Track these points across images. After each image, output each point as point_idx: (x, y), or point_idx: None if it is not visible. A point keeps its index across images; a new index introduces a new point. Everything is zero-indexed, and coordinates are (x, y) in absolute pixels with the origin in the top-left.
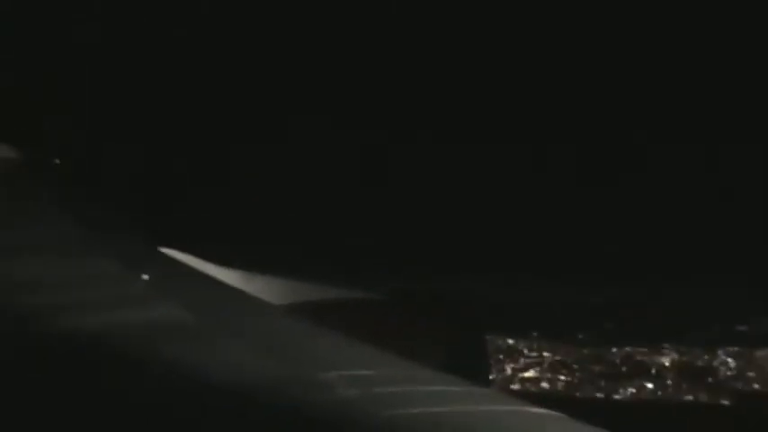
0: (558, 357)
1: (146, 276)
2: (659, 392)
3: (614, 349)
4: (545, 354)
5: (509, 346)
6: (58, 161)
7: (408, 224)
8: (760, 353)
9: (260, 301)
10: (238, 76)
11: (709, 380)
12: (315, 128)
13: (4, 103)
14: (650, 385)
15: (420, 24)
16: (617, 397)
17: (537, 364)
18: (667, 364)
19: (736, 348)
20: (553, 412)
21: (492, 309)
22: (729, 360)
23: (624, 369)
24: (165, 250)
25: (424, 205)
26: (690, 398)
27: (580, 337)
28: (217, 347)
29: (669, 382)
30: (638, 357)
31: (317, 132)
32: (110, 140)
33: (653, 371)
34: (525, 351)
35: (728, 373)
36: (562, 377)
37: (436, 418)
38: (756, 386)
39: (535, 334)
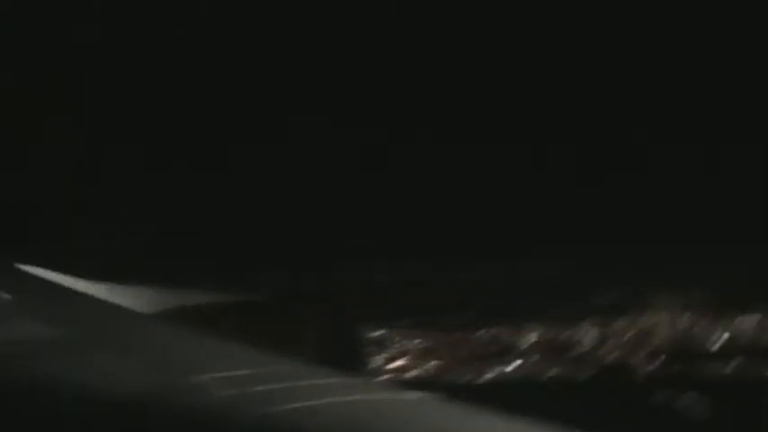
0: (426, 344)
1: (7, 296)
2: (522, 371)
3: (481, 331)
4: (414, 341)
5: (378, 337)
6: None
7: (275, 223)
8: (619, 323)
9: (128, 311)
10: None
11: (571, 354)
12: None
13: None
14: (518, 362)
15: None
16: (487, 377)
17: (406, 352)
18: (531, 342)
19: (596, 320)
20: (428, 395)
21: (362, 300)
22: (590, 333)
23: (490, 351)
24: (24, 267)
25: (293, 203)
26: (555, 372)
27: (447, 322)
28: (87, 361)
29: (533, 360)
30: (504, 338)
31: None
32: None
33: (517, 350)
34: (394, 340)
35: (588, 346)
36: (432, 363)
37: (313, 411)
38: (613, 356)
39: (403, 322)
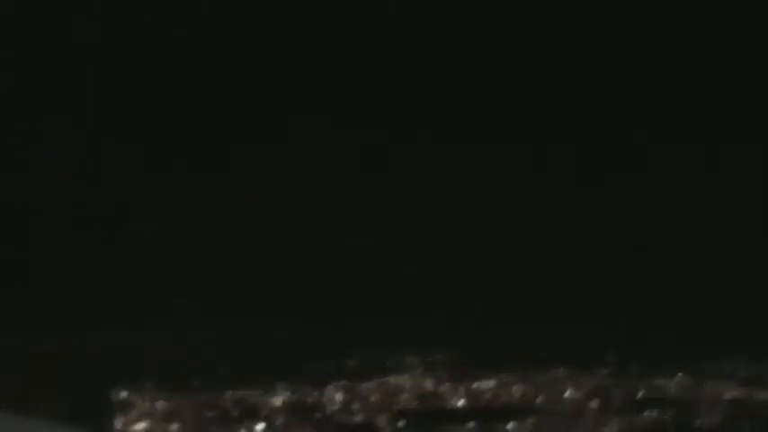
0: (171, 406)
1: None
2: (273, 431)
3: (228, 393)
4: (157, 403)
5: (122, 399)
6: None
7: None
8: (365, 384)
9: None
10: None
11: (317, 415)
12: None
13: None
14: (261, 426)
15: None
16: None
17: (149, 414)
18: (279, 403)
19: (343, 382)
20: None
21: (110, 360)
22: (337, 394)
23: (236, 413)
24: None
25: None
26: None
27: (195, 383)
28: None
29: (279, 421)
30: (251, 400)
31: None
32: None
33: (264, 412)
34: (138, 402)
35: (335, 407)
36: (174, 426)
37: None
38: (359, 418)
39: (148, 384)
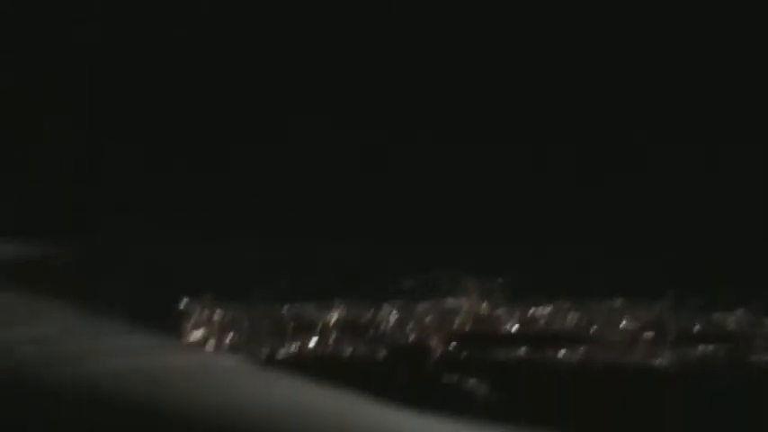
0: (228, 316)
1: None
2: (321, 348)
3: (286, 307)
4: (216, 314)
5: (183, 306)
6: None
7: (87, 182)
8: (421, 305)
9: None
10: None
11: (370, 333)
12: None
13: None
14: (314, 341)
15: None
16: (285, 352)
17: (206, 323)
18: (334, 319)
19: (399, 302)
20: (242, 363)
21: (177, 270)
22: (392, 314)
23: (291, 327)
24: None
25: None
26: (349, 351)
27: (255, 296)
28: None
29: (333, 336)
30: (308, 315)
31: None
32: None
33: (319, 327)
34: (197, 312)
35: (389, 326)
36: (230, 336)
37: (121, 372)
38: (411, 338)
39: (208, 294)
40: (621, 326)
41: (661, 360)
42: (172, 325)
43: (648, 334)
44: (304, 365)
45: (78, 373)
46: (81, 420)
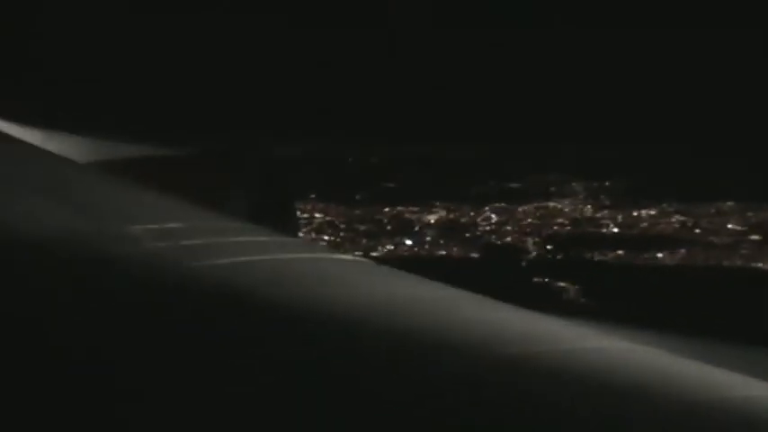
0: (328, 218)
1: None
2: (416, 248)
3: (386, 208)
4: (316, 215)
5: (290, 208)
6: None
7: (210, 86)
8: (523, 207)
9: (61, 158)
10: None
11: (467, 234)
12: None
13: None
14: (408, 242)
15: None
16: (374, 254)
17: (305, 224)
18: (432, 221)
19: (501, 204)
20: (359, 258)
21: (283, 168)
22: (492, 215)
23: (388, 227)
24: None
25: (224, 69)
26: (443, 252)
27: (357, 197)
28: (13, 201)
29: (428, 238)
30: (407, 216)
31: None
32: None
33: (416, 228)
34: (297, 213)
35: (487, 227)
36: (326, 237)
37: (245, 266)
38: (509, 239)
39: (310, 194)
40: (727, 228)
41: (764, 264)
42: (284, 224)
43: (754, 237)
44: (396, 264)
45: (201, 268)
46: (204, 313)
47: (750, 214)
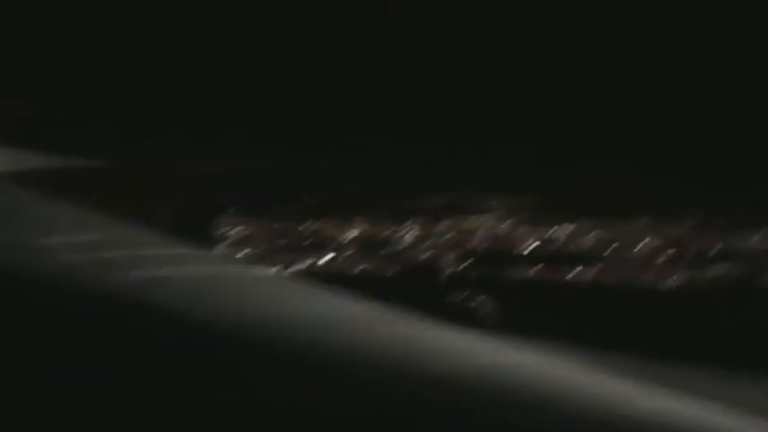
0: (247, 231)
1: None
2: (334, 263)
3: (306, 223)
4: (235, 229)
5: (211, 221)
6: None
7: (143, 95)
8: (442, 224)
9: None
10: None
11: (385, 251)
12: None
13: None
14: (327, 257)
15: None
16: (292, 269)
17: (225, 238)
18: (352, 236)
19: (420, 220)
20: (277, 273)
21: (205, 184)
22: (411, 232)
23: (308, 243)
24: None
25: (157, 79)
26: (360, 268)
27: (277, 211)
28: None
29: (345, 254)
30: (326, 231)
31: None
32: None
33: (335, 243)
34: (222, 226)
35: (405, 244)
36: (244, 251)
37: (162, 280)
38: (426, 256)
39: (232, 209)
40: (641, 244)
41: (674, 280)
42: (203, 237)
43: (667, 253)
44: (314, 280)
45: (118, 280)
46: (120, 325)
47: (665, 230)
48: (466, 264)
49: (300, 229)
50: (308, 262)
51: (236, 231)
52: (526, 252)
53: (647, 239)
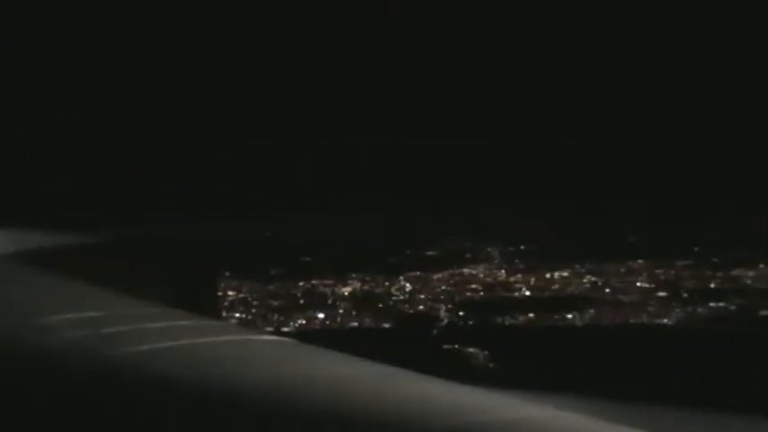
0: (240, 295)
1: None
2: (327, 322)
3: (301, 283)
4: (229, 293)
5: (207, 286)
6: None
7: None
8: (437, 275)
9: None
10: None
11: (380, 305)
12: None
13: None
14: (320, 315)
15: None
16: (286, 329)
17: (222, 300)
18: (346, 293)
19: (416, 273)
20: (282, 338)
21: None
22: (407, 285)
23: (302, 302)
24: None
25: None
26: (355, 324)
27: (272, 273)
28: None
29: (341, 310)
30: (321, 289)
31: None
32: None
33: (329, 301)
34: (219, 290)
35: (401, 296)
36: (237, 314)
37: (165, 352)
38: (422, 307)
39: (227, 273)
40: (637, 285)
41: (671, 318)
42: (202, 304)
43: (663, 292)
44: (309, 338)
45: (122, 356)
46: (128, 400)
47: (658, 271)
48: (461, 314)
49: (295, 288)
50: (303, 321)
51: (230, 294)
52: (521, 299)
53: (639, 282)
